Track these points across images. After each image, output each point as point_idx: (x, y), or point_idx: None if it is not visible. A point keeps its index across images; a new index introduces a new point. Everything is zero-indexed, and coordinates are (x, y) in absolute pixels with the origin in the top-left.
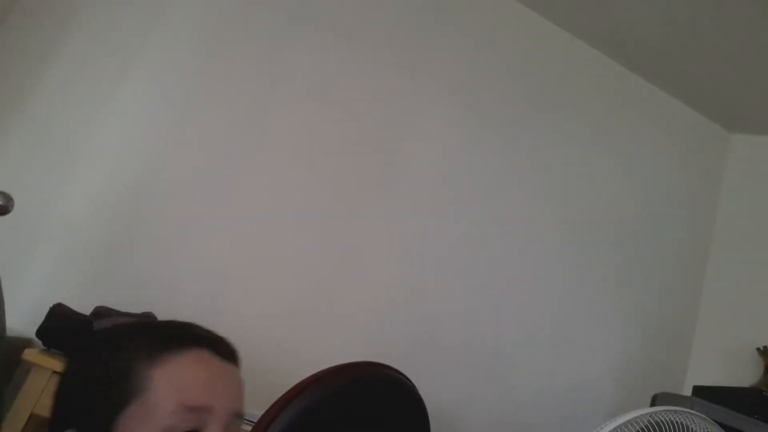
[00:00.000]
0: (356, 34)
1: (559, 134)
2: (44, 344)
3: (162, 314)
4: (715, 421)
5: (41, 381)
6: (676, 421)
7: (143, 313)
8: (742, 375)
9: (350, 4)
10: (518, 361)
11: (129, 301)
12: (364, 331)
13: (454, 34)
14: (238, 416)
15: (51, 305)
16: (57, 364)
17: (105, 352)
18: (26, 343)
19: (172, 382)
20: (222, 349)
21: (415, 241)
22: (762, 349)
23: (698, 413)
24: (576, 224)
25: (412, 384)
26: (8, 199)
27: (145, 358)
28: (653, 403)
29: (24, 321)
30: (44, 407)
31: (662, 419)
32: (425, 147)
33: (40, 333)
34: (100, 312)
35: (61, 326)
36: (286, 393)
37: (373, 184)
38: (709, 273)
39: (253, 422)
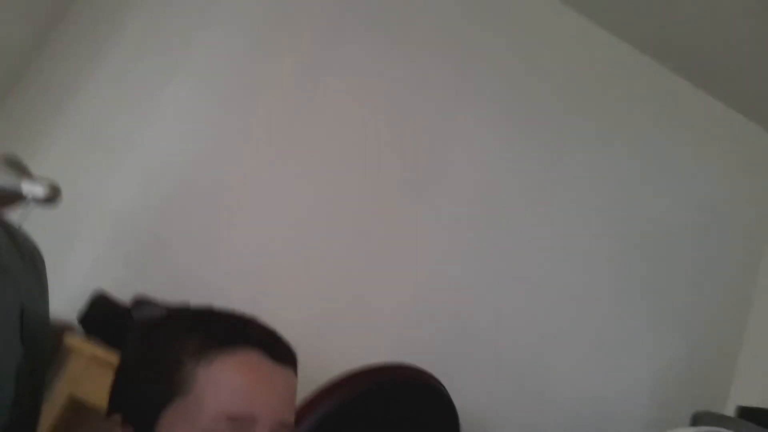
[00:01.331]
0: (402, 38)
1: (604, 143)
2: (84, 330)
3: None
4: None
5: (80, 366)
6: None
7: (181, 304)
8: None
9: (397, 9)
10: (552, 369)
11: (168, 294)
12: (399, 332)
13: (499, 43)
14: (285, 426)
15: (92, 292)
16: (96, 350)
17: (158, 343)
18: (66, 327)
19: (216, 386)
20: (275, 351)
21: (453, 246)
22: None
23: None
24: (616, 235)
25: (446, 391)
26: (56, 189)
27: (193, 355)
28: (694, 422)
29: (66, 306)
30: (82, 391)
31: None
32: (466, 152)
33: (80, 319)
34: (140, 300)
35: (100, 313)
36: (319, 391)
37: (412, 188)
38: (759, 286)
39: None
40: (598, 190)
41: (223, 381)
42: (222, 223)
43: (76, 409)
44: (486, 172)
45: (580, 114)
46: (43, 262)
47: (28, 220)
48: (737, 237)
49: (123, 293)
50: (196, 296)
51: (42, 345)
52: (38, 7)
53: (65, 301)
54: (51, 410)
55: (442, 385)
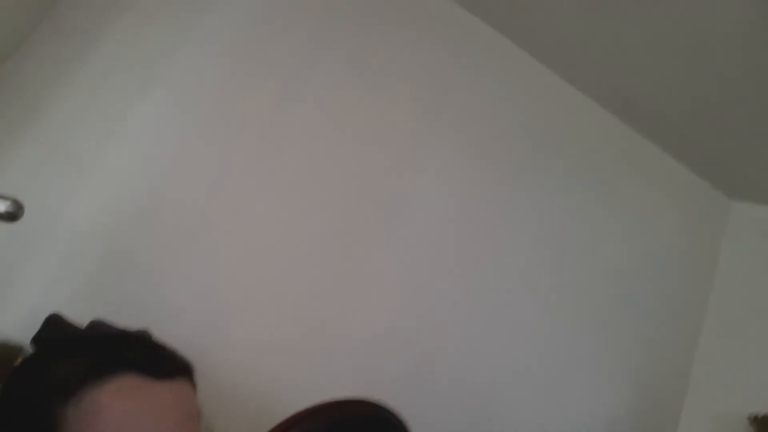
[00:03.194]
0: (374, 70)
1: (562, 188)
2: None
3: (159, 334)
4: None
5: None
6: None
7: (139, 330)
8: None
9: (372, 41)
10: (505, 407)
11: (126, 317)
12: (358, 363)
13: (470, 84)
14: None
15: (48, 314)
16: None
17: (25, 381)
18: (20, 350)
19: (89, 425)
20: (155, 368)
21: (413, 279)
22: (753, 418)
23: None
24: (573, 277)
25: (408, 428)
26: (19, 206)
27: (60, 394)
28: None
29: (20, 328)
30: None
31: None
32: (431, 188)
33: (34, 341)
34: (96, 325)
35: (55, 336)
36: (280, 424)
37: (376, 220)
38: (703, 336)
39: None
40: (556, 233)
41: (98, 418)
42: (184, 246)
43: None
44: (447, 208)
45: (543, 159)
46: None
47: None
48: (683, 285)
49: (81, 315)
50: (156, 319)
51: None
52: (8, 19)
53: (20, 322)
54: None
55: (405, 423)
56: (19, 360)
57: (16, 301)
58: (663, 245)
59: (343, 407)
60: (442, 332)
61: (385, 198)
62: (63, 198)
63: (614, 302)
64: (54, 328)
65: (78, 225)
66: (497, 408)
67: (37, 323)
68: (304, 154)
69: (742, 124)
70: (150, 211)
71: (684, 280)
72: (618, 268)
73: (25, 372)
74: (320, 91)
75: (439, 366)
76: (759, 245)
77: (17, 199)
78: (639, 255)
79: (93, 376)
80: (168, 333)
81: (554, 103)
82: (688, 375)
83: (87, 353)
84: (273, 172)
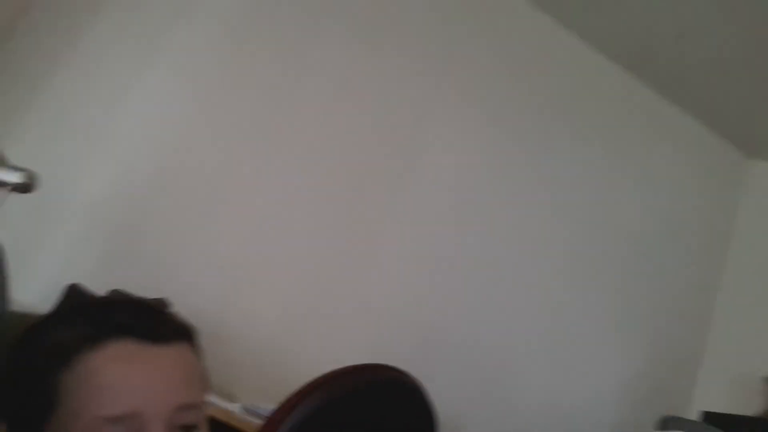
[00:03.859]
0: (382, 37)
1: (576, 149)
2: None
3: (175, 302)
4: None
5: None
6: None
7: (157, 299)
8: (748, 403)
9: (378, 8)
10: (521, 374)
11: (144, 286)
12: (370, 332)
13: (479, 46)
14: (188, 408)
15: (67, 284)
16: None
17: (21, 351)
18: None
19: (85, 389)
20: (152, 331)
21: (425, 247)
22: None
23: None
24: (586, 239)
25: (426, 392)
26: (32, 177)
27: (55, 360)
28: (664, 427)
29: (40, 298)
30: None
31: None
32: (441, 155)
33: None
34: (113, 296)
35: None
36: (299, 390)
37: (387, 188)
38: (720, 297)
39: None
40: (570, 195)
41: (93, 382)
42: (197, 216)
43: None
44: (460, 172)
45: (557, 120)
46: (3, 253)
47: (1, 209)
48: (700, 246)
49: (99, 286)
50: (170, 289)
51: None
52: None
53: (38, 293)
54: None
55: (423, 388)
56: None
57: (36, 272)
58: (679, 205)
59: (364, 372)
60: (454, 299)
61: (395, 167)
62: (75, 168)
63: (629, 263)
64: (72, 298)
65: (92, 195)
66: (511, 372)
67: (52, 293)
68: (312, 123)
69: (763, 82)
70: (162, 180)
71: (701, 240)
72: (633, 229)
73: (24, 340)
74: (326, 59)
75: (452, 332)
76: None
77: (31, 172)
78: (655, 215)
79: (88, 342)
80: (184, 303)
81: (568, 63)
82: (705, 336)
83: (83, 320)
84: (283, 142)
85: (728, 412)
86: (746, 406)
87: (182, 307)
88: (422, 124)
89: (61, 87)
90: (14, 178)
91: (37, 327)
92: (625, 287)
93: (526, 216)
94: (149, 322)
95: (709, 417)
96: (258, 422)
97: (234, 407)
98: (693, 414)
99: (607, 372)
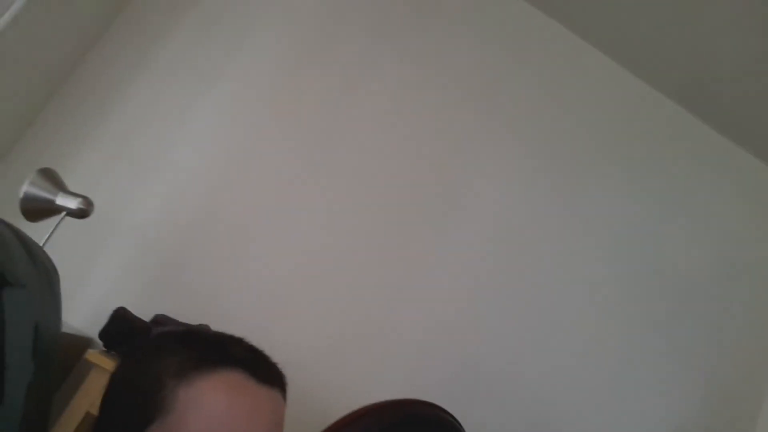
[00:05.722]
0: (435, 67)
1: (626, 182)
2: (105, 346)
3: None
4: None
5: (100, 381)
6: None
7: (199, 325)
8: None
9: (431, 37)
10: (562, 410)
11: (187, 313)
12: (410, 364)
13: (531, 82)
14: None
15: (114, 308)
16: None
17: (141, 362)
18: (87, 342)
19: (196, 406)
20: (260, 371)
21: (469, 282)
22: None
23: None
24: (636, 278)
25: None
26: (89, 203)
27: (175, 375)
28: None
29: (88, 321)
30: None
31: None
32: (487, 185)
33: (101, 335)
34: (159, 320)
35: (121, 330)
36: (336, 423)
37: (429, 221)
38: None
39: None
40: (617, 229)
41: (204, 402)
42: (243, 248)
43: (93, 425)
44: (504, 206)
45: (603, 152)
46: (58, 277)
47: (56, 233)
48: (760, 285)
49: (147, 310)
50: (213, 319)
51: (52, 362)
52: (79, 23)
53: (87, 315)
54: (68, 425)
55: (460, 425)
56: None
57: (84, 295)
58: (737, 244)
59: (403, 407)
60: (499, 333)
61: (438, 199)
62: (128, 197)
63: (682, 304)
64: (120, 321)
65: (142, 223)
66: (554, 412)
67: (99, 317)
68: (358, 157)
69: None
70: (210, 211)
71: (759, 278)
72: (686, 268)
73: (141, 356)
74: (378, 89)
75: (492, 368)
76: None
77: (88, 199)
78: (710, 254)
79: (206, 364)
80: (222, 329)
81: (619, 97)
82: (764, 381)
83: (200, 345)
84: (329, 172)
85: None
86: None
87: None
88: (471, 156)
89: (121, 116)
90: (72, 203)
91: (152, 347)
92: (676, 326)
93: (572, 252)
94: (261, 362)
95: None
96: None
97: None
98: None
99: (657, 418)
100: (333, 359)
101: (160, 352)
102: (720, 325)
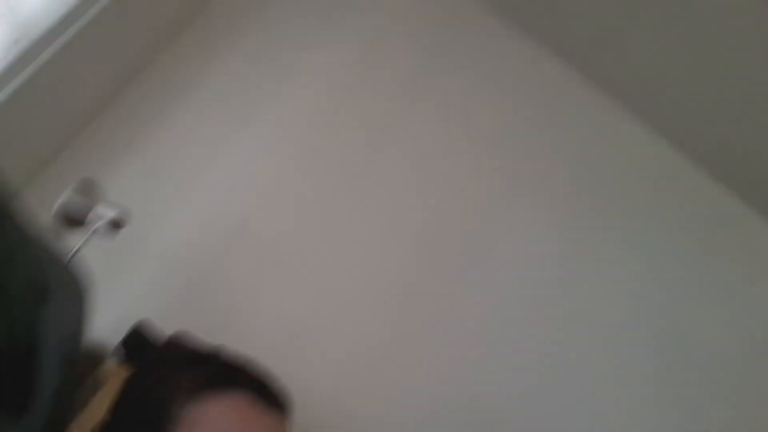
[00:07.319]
0: (464, 123)
1: (651, 256)
2: (123, 357)
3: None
4: None
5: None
6: None
7: (216, 345)
8: None
9: (461, 93)
10: None
11: (207, 333)
12: (423, 414)
13: (557, 143)
14: None
15: (136, 320)
16: None
17: (156, 375)
18: (106, 353)
19: (201, 425)
20: (267, 395)
21: (484, 336)
22: None
23: None
24: (659, 350)
25: None
26: (126, 214)
27: (185, 392)
28: None
29: (109, 331)
30: None
31: None
32: (514, 250)
33: (121, 345)
34: (179, 336)
35: (140, 342)
36: None
37: (452, 273)
38: None
39: None
40: (639, 304)
41: (211, 421)
42: (268, 277)
43: None
44: (527, 269)
45: (630, 223)
46: (88, 289)
47: (89, 243)
48: None
49: (168, 325)
50: (232, 339)
51: (77, 374)
52: (143, 36)
53: (108, 326)
54: None
55: None
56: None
57: (108, 306)
58: (763, 322)
59: None
60: (517, 406)
61: (467, 250)
62: (162, 214)
63: (706, 385)
64: (140, 334)
65: (172, 242)
66: None
67: (119, 329)
68: (388, 201)
69: None
70: (240, 236)
71: None
72: (710, 346)
73: (156, 368)
74: (408, 138)
75: (504, 428)
76: None
77: (125, 208)
78: (736, 332)
79: (217, 384)
80: (239, 350)
81: (646, 164)
82: None
83: (212, 365)
84: (357, 214)
85: None
86: None
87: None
88: (493, 216)
89: (161, 137)
90: (110, 213)
91: (168, 362)
92: (700, 410)
93: (590, 322)
94: (270, 386)
95: None
96: None
97: None
98: None
99: None
100: (346, 400)
101: (174, 368)
102: (748, 411)
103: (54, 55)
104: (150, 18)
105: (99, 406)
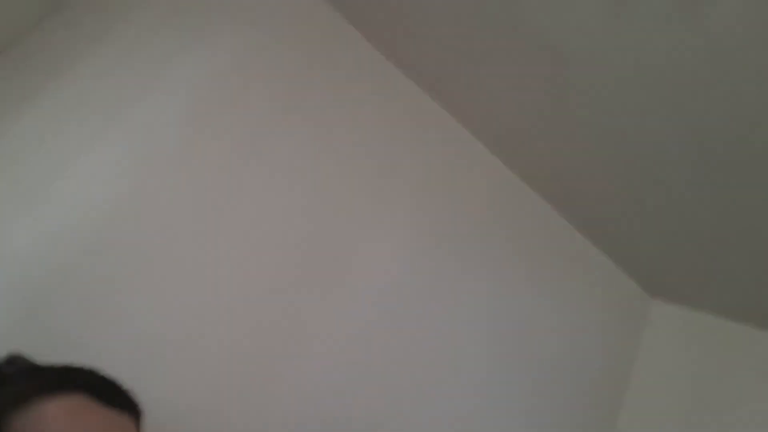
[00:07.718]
0: (333, 130)
1: (498, 272)
2: None
3: None
4: None
5: None
6: None
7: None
8: None
9: (333, 104)
10: None
11: (49, 355)
12: (291, 429)
13: (416, 162)
14: None
15: None
16: None
17: None
18: None
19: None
20: (106, 394)
21: (350, 352)
22: None
23: None
24: (504, 359)
25: None
26: None
27: (11, 405)
28: None
29: None
30: None
31: None
32: (377, 253)
33: None
34: (14, 357)
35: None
36: None
37: (316, 288)
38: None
39: None
40: (491, 314)
41: (41, 426)
42: (119, 294)
43: None
44: (392, 275)
45: (484, 245)
46: None
47: None
48: (600, 381)
49: (9, 347)
50: (83, 358)
51: None
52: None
53: None
54: None
55: None
56: None
57: None
58: (585, 336)
59: None
60: (374, 403)
61: (331, 260)
62: (6, 223)
63: (540, 389)
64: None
65: (14, 253)
66: None
67: None
68: (254, 210)
69: (672, 228)
70: (90, 251)
71: (601, 375)
72: (546, 355)
73: None
74: (274, 151)
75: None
76: (675, 346)
77: None
78: (566, 344)
79: (46, 390)
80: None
81: (499, 192)
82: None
83: (42, 374)
84: (222, 227)
85: None
86: None
87: None
88: (362, 219)
89: (16, 139)
90: None
91: (3, 375)
92: (535, 411)
93: (451, 320)
94: (108, 386)
95: None
96: None
97: None
98: None
99: None
100: (207, 419)
101: (1, 385)
102: (567, 414)
103: None
104: None
105: None
